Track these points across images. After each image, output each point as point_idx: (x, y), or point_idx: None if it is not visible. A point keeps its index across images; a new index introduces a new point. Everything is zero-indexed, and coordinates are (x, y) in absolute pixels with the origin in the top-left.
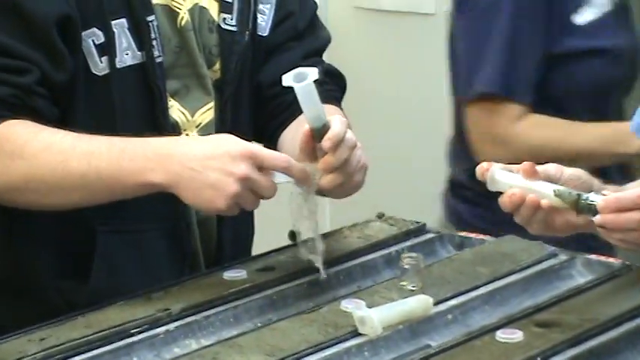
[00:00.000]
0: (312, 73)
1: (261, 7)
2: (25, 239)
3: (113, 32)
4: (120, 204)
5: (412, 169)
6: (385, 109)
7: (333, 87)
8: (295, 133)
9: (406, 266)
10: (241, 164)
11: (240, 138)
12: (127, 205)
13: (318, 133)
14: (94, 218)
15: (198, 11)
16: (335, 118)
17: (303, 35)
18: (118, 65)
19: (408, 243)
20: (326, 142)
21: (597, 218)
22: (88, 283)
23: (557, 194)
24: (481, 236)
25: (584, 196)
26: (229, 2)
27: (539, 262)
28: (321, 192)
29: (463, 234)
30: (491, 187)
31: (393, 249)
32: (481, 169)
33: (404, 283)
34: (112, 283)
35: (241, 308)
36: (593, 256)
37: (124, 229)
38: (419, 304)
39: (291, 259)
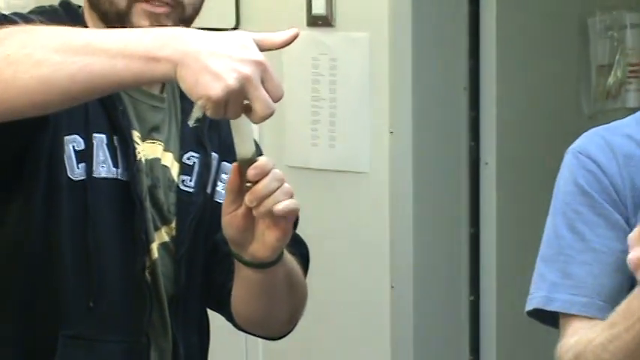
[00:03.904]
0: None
1: (223, 176)
2: None
3: (92, 143)
4: (85, 311)
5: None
6: (320, 269)
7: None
8: None
9: None
10: (249, 67)
11: (192, 297)
12: (92, 313)
13: (246, 165)
14: (58, 321)
15: (156, 164)
16: (262, 157)
17: None
18: (95, 174)
19: None
20: (251, 171)
21: None
22: None
23: None
24: None
25: None
26: (190, 165)
27: None
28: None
29: None
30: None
31: None
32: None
33: None
34: None
35: None
36: None
37: (86, 337)
38: None
39: None
